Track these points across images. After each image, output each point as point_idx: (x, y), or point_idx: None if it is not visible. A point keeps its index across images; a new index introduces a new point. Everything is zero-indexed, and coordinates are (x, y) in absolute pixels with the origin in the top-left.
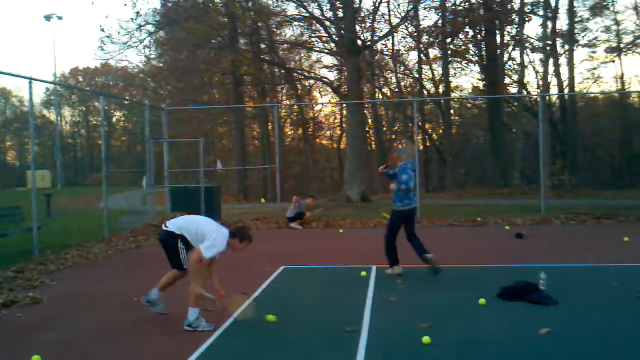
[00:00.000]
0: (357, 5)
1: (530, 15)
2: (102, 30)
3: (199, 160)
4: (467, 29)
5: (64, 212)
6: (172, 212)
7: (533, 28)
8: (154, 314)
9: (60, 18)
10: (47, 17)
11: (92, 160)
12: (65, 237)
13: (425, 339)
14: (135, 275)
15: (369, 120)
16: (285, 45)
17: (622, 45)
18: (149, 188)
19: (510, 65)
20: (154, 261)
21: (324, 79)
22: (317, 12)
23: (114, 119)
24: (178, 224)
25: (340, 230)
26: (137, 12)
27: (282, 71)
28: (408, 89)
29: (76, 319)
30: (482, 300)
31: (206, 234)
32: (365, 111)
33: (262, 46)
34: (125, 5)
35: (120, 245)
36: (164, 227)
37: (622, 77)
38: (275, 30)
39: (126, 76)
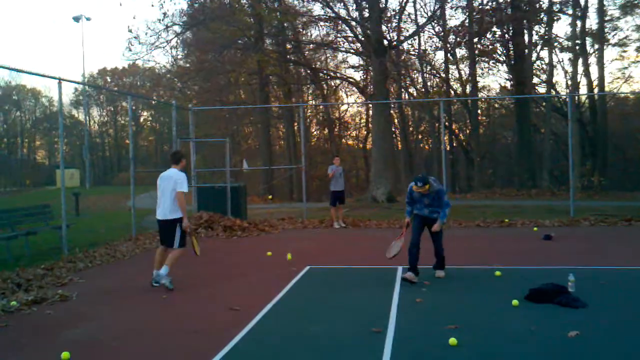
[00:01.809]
0: (383, 5)
1: (559, 14)
2: (130, 31)
3: (225, 160)
4: (494, 28)
5: (92, 211)
6: (198, 212)
7: (562, 27)
8: (180, 312)
9: (88, 19)
10: (76, 19)
11: (120, 160)
12: (93, 235)
13: (452, 341)
14: None
15: (395, 121)
16: (311, 45)
17: None
18: None
19: (538, 65)
20: (180, 260)
21: (350, 79)
22: (343, 12)
23: (141, 119)
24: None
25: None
26: (164, 13)
27: (308, 71)
28: (434, 89)
29: (104, 317)
30: (515, 302)
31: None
32: (391, 111)
33: (288, 46)
34: (152, 6)
35: (147, 244)
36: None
37: None
38: (301, 30)
39: (153, 76)
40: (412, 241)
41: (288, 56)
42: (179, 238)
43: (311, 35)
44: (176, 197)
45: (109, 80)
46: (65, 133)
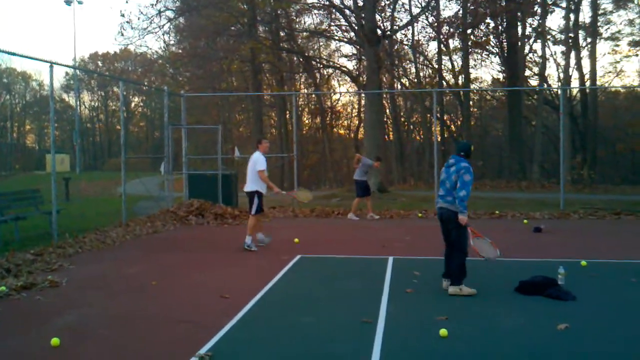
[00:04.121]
0: None
1: (552, 7)
2: (122, 15)
3: (217, 148)
4: (488, 20)
5: (82, 197)
6: (189, 199)
7: (555, 20)
8: (170, 300)
9: (80, 2)
10: (68, 2)
11: (111, 145)
12: (83, 221)
13: (443, 332)
14: (152, 260)
15: (387, 111)
16: (305, 33)
17: None
18: (166, 174)
19: (531, 58)
20: (170, 246)
21: (343, 68)
22: (337, 1)
23: (132, 105)
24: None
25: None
26: None
27: (301, 60)
28: (427, 80)
29: (94, 303)
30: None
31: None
32: (384, 101)
33: (282, 34)
34: None
35: (138, 231)
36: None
37: None
38: (294, 18)
39: (145, 62)
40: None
41: (281, 44)
42: (255, 206)
43: (305, 23)
44: (254, 176)
45: (100, 65)
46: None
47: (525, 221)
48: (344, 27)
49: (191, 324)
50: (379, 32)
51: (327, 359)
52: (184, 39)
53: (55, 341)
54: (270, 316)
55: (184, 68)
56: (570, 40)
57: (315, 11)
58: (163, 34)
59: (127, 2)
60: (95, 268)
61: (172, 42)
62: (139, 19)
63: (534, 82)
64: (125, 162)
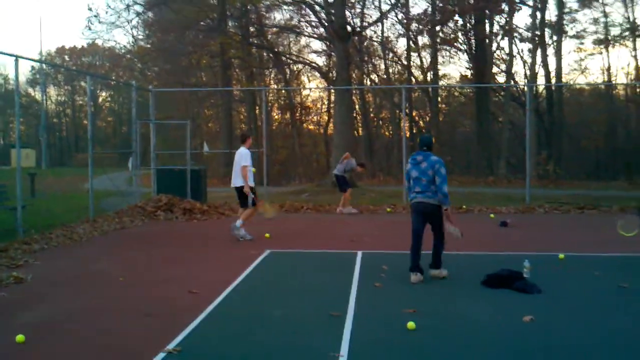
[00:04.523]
0: None
1: (519, 5)
2: (90, 9)
3: (186, 143)
4: (456, 17)
5: (48, 192)
6: (158, 195)
7: (522, 18)
8: (138, 295)
9: None
10: None
11: (78, 140)
12: (50, 217)
13: (410, 325)
14: (119, 255)
15: (357, 107)
16: (275, 29)
17: (609, 38)
18: (134, 169)
19: (498, 55)
20: (138, 242)
21: (313, 64)
22: None
23: (100, 100)
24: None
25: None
26: None
27: (271, 55)
28: (396, 76)
29: (60, 299)
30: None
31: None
32: (353, 97)
33: (251, 29)
34: None
35: (105, 227)
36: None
37: (608, 69)
38: (264, 13)
39: (113, 57)
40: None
41: (251, 39)
42: (250, 199)
43: (275, 18)
44: (240, 170)
45: (67, 59)
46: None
47: (491, 216)
48: (313, 23)
49: (159, 318)
50: (349, 28)
51: (296, 352)
52: (153, 33)
53: (20, 338)
54: (239, 310)
55: (152, 63)
56: (536, 38)
57: (285, 7)
58: (131, 28)
59: None
60: (62, 264)
61: (140, 37)
62: (107, 12)
63: (501, 79)
64: (92, 157)
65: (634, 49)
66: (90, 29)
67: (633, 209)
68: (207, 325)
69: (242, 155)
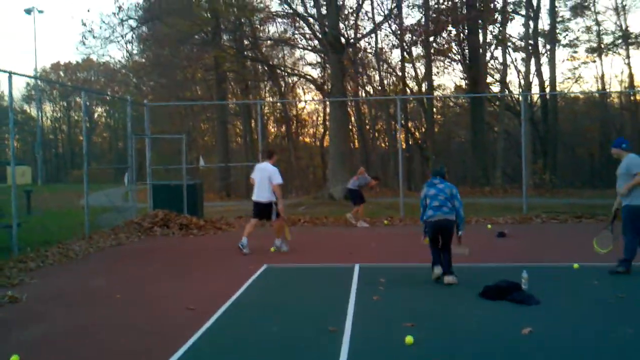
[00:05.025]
0: (341, 3)
1: (512, 14)
2: (84, 24)
3: (181, 157)
4: (449, 27)
5: (44, 209)
6: (154, 210)
7: (515, 27)
8: (134, 312)
9: (41, 12)
10: (28, 11)
11: (73, 156)
12: (45, 234)
13: (409, 339)
14: (116, 272)
15: (352, 118)
16: (269, 42)
17: (602, 46)
18: (130, 185)
19: (492, 65)
20: (134, 258)
21: (308, 77)
22: (300, 9)
23: (95, 115)
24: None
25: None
26: (120, 7)
27: (265, 68)
28: (391, 88)
29: (56, 317)
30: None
31: (271, 177)
32: (349, 109)
33: (246, 43)
34: None
35: (102, 243)
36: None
37: (602, 77)
38: (258, 26)
39: (108, 72)
40: None
41: (245, 52)
42: (275, 212)
43: (269, 31)
44: (273, 188)
45: (62, 75)
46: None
47: (489, 226)
48: (308, 35)
49: (155, 335)
50: (343, 40)
51: None
52: (147, 48)
53: (15, 358)
54: (236, 327)
55: (147, 77)
56: (530, 47)
57: (279, 19)
58: (126, 43)
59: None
60: (58, 282)
61: (135, 51)
62: (100, 27)
63: (495, 88)
64: (87, 173)
65: (627, 56)
66: (84, 44)
67: (606, 225)
68: (203, 342)
69: (273, 173)
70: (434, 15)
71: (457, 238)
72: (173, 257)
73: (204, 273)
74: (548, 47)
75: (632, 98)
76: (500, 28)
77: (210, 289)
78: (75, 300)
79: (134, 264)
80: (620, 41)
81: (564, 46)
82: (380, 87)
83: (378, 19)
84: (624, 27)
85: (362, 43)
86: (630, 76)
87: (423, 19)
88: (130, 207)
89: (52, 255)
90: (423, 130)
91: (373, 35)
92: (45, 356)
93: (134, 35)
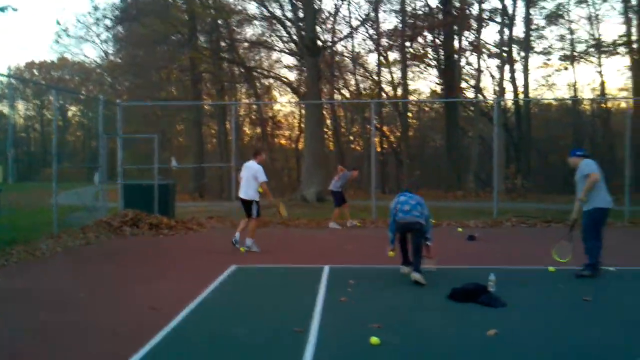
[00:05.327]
0: (318, 7)
1: (487, 21)
2: (58, 23)
3: (154, 157)
4: (426, 33)
5: (14, 208)
6: (125, 209)
7: (490, 34)
8: (98, 313)
9: (15, 10)
10: (2, 9)
11: (46, 155)
12: (13, 233)
13: (374, 340)
14: (82, 272)
15: (328, 121)
16: (246, 44)
17: (575, 54)
18: (101, 184)
19: (467, 71)
20: (102, 258)
21: (284, 79)
22: (278, 12)
23: (69, 114)
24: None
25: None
26: (95, 6)
27: (242, 70)
28: (367, 91)
29: (17, 317)
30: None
31: (256, 175)
32: (324, 112)
33: (222, 44)
34: None
35: (70, 242)
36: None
37: (575, 84)
38: (235, 28)
39: (83, 71)
40: None
41: (222, 54)
42: (256, 211)
43: (246, 34)
44: (254, 184)
45: (36, 73)
46: None
47: (459, 229)
48: (284, 38)
49: (117, 337)
50: (319, 43)
51: None
52: (123, 47)
53: None
54: (200, 328)
55: (122, 77)
56: (504, 54)
57: (256, 22)
58: (101, 43)
59: (64, 9)
60: (22, 281)
61: (110, 51)
62: (76, 27)
63: (470, 94)
64: (56, 171)
65: (599, 65)
66: (58, 42)
67: (565, 234)
68: (166, 344)
69: (258, 171)
70: (411, 20)
71: (426, 249)
72: (141, 257)
73: (171, 273)
74: (522, 54)
75: (603, 105)
76: (476, 34)
77: (176, 289)
78: (38, 299)
79: (101, 263)
80: (592, 49)
81: (538, 53)
82: (356, 91)
83: (355, 23)
84: (596, 35)
85: (339, 47)
86: (602, 84)
87: (400, 24)
88: (100, 207)
89: (17, 253)
90: (398, 134)
91: (350, 39)
92: (2, 356)
93: (109, 35)
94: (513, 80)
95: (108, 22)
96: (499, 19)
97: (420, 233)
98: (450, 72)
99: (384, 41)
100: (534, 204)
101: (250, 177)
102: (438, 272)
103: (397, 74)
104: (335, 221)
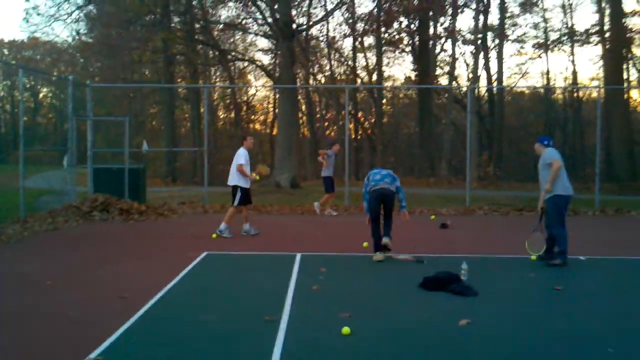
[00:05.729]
0: None
1: (462, 7)
2: (27, 0)
3: (124, 140)
4: (401, 18)
5: None
6: (95, 194)
7: (465, 21)
8: (65, 299)
9: None
10: None
11: (17, 137)
12: None
13: (345, 330)
14: (49, 257)
15: (302, 107)
16: (220, 25)
17: (549, 42)
18: (70, 168)
19: (442, 57)
20: (70, 243)
21: (257, 63)
22: None
23: (40, 96)
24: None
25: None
26: None
27: (216, 52)
28: (342, 77)
29: None
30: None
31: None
32: (299, 97)
33: (196, 26)
34: None
35: (37, 227)
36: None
37: (547, 73)
38: (209, 10)
39: (54, 51)
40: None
41: (196, 36)
42: (238, 199)
43: (220, 15)
44: (236, 169)
45: (6, 52)
46: None
47: (432, 217)
48: (259, 21)
49: (85, 324)
50: (294, 26)
51: (227, 358)
52: (95, 27)
53: None
54: (170, 316)
55: (94, 58)
56: (479, 41)
57: (231, 3)
58: (72, 22)
59: None
60: None
61: (82, 31)
62: (46, 5)
63: (444, 81)
64: (23, 154)
65: (572, 54)
66: (28, 21)
67: (535, 226)
68: (134, 332)
69: (238, 155)
70: (386, 4)
71: (404, 215)
72: (110, 243)
73: (141, 260)
74: (496, 41)
75: (575, 94)
76: (451, 21)
77: (146, 276)
78: (2, 285)
79: (69, 248)
80: (565, 38)
81: (512, 41)
82: (330, 76)
83: (330, 6)
84: (569, 24)
85: (314, 31)
86: (574, 73)
87: (375, 9)
88: (70, 191)
89: None
90: (372, 120)
91: (325, 22)
92: None
93: (80, 14)
94: (487, 67)
95: (79, 0)
96: (474, 6)
97: (392, 201)
98: (424, 59)
99: (359, 25)
100: (506, 191)
101: (234, 163)
102: (411, 260)
103: (372, 59)
104: (331, 208)
